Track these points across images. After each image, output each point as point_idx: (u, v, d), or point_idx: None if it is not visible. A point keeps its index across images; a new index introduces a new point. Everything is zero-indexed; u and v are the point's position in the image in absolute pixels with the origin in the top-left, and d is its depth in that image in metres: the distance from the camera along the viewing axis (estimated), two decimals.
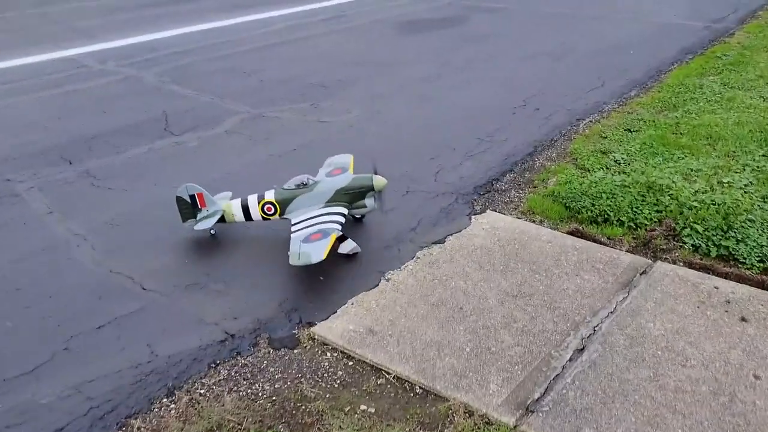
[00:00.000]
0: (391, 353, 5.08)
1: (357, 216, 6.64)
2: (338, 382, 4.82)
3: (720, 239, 6.52)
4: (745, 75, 11.77)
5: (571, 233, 6.83)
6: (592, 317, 5.55)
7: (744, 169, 8.01)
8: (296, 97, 10.76)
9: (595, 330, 5.39)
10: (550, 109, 10.23)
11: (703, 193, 7.38)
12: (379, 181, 6.27)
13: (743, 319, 5.49)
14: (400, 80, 11.84)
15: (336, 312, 5.51)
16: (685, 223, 6.76)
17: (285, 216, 6.30)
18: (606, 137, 9.11)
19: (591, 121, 9.77)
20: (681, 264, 6.35)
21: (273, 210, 6.32)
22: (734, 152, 8.53)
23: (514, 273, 6.12)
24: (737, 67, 12.27)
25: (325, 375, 4.87)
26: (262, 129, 9.41)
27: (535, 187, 7.79)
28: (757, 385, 4.79)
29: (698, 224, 6.70)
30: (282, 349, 5.10)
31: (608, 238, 6.74)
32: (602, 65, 12.58)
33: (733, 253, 6.38)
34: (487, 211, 7.28)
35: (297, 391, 4.70)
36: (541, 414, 4.55)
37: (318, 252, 5.54)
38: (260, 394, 4.66)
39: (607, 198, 7.26)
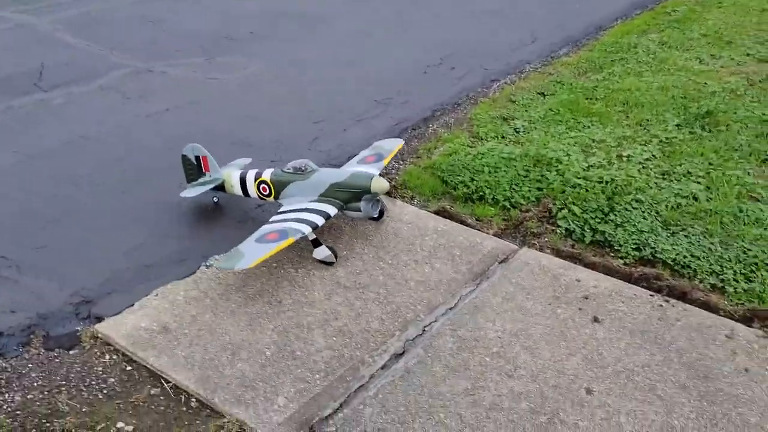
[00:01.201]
0: (177, 357, 4.44)
1: (373, 216, 5.69)
2: (105, 392, 4.19)
3: (598, 223, 5.85)
4: (689, 33, 10.93)
5: (438, 213, 6.15)
6: (427, 315, 4.91)
7: (651, 141, 7.30)
8: (195, 50, 9.93)
9: (424, 330, 4.76)
10: (467, 69, 9.44)
11: (597, 167, 6.69)
12: (379, 184, 5.36)
13: (595, 320, 4.87)
14: (322, 35, 10.96)
15: (134, 305, 4.85)
16: (563, 204, 6.07)
17: (279, 200, 5.61)
18: (515, 101, 8.36)
19: (506, 83, 9.00)
20: (548, 251, 5.69)
21: (268, 191, 5.67)
22: (647, 121, 7.80)
23: (357, 260, 5.46)
24: (683, 24, 11.41)
25: (93, 383, 4.24)
26: (141, 86, 8.62)
27: (418, 157, 7.09)
28: (587, 401, 4.17)
29: (577, 205, 6.02)
30: (56, 350, 4.47)
31: (477, 220, 6.07)
32: (541, 20, 11.70)
33: (609, 239, 5.73)
34: None
35: (50, 405, 4.07)
36: None
37: (248, 258, 4.73)
38: (4, 407, 4.02)
39: (489, 172, 6.56)
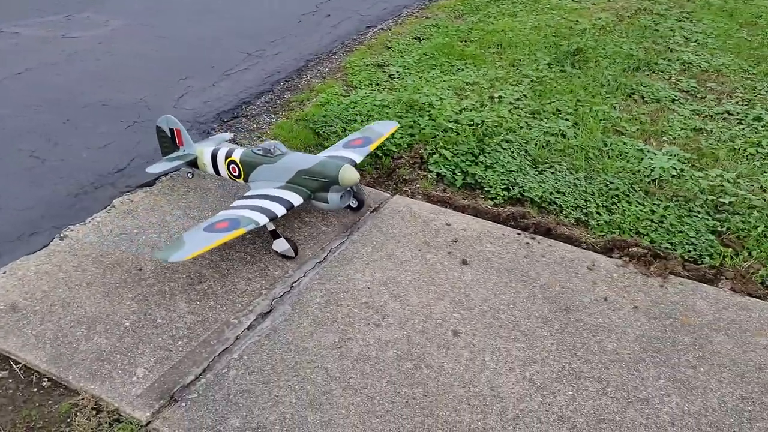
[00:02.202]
0: (27, 336, 4.18)
1: (352, 206, 5.30)
2: None
3: (468, 166, 5.87)
4: None
5: None
6: (296, 271, 4.80)
7: (522, 81, 7.35)
8: (52, 7, 9.25)
9: (292, 287, 4.66)
10: (343, 15, 9.22)
11: (469, 110, 6.68)
12: (347, 175, 4.78)
13: (464, 262, 4.89)
14: None
15: None
16: (435, 149, 6.05)
17: (248, 183, 5.13)
18: (390, 47, 8.23)
19: (382, 29, 8.85)
20: (420, 197, 5.66)
21: (237, 172, 5.19)
22: (520, 61, 7.85)
23: None
24: None
25: None
26: None
27: (291, 109, 6.89)
28: (453, 343, 4.20)
29: (448, 149, 6.00)
30: None
31: None
32: None
33: (480, 181, 5.75)
34: None
35: None
36: (184, 404, 3.80)
37: (187, 249, 4.25)
38: None
39: (362, 121, 6.45)
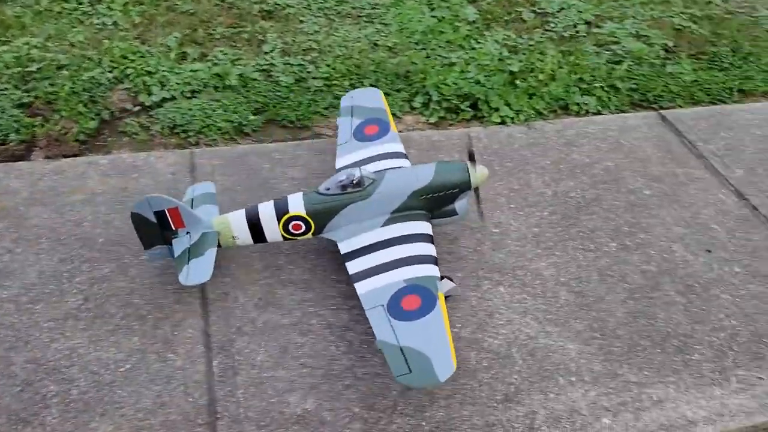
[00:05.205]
0: None
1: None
2: None
3: None
4: None
5: None
6: None
7: None
8: None
9: None
10: None
11: None
12: (480, 173, 3.92)
13: None
14: None
15: None
16: None
17: (324, 235, 3.87)
18: None
19: None
20: None
21: (303, 228, 3.82)
22: None
23: None
24: None
25: None
26: None
27: None
28: None
29: None
30: None
31: None
32: None
33: None
34: None
35: None
36: None
37: (440, 359, 3.12)
38: None
39: None
